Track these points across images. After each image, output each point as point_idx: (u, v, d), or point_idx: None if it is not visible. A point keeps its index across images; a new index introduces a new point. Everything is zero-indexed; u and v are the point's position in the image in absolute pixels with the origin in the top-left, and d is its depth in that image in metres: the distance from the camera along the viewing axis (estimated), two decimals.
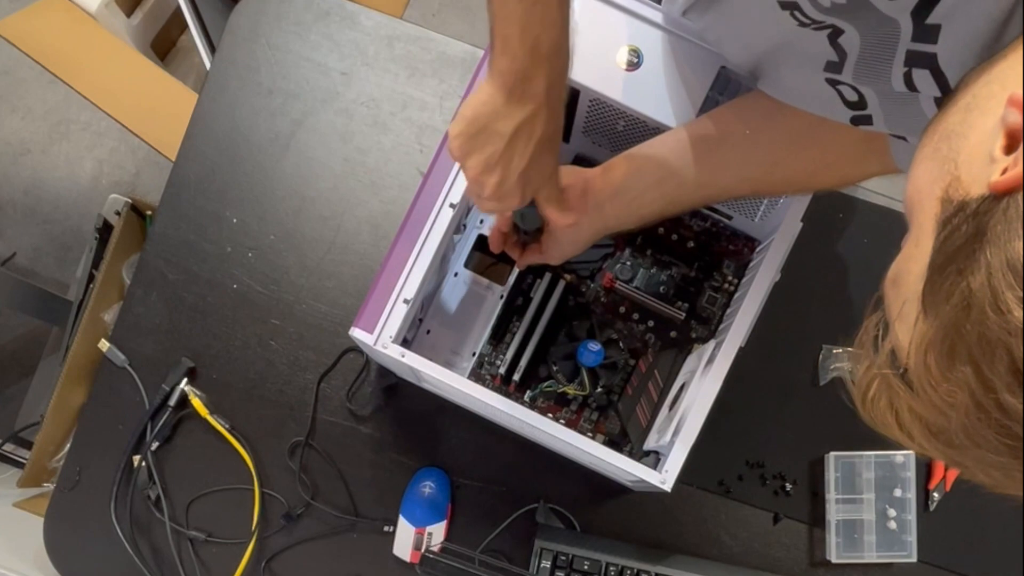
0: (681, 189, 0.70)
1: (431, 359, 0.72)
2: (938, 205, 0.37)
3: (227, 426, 0.90)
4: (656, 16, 0.73)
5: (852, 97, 0.54)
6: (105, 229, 1.61)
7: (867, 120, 0.55)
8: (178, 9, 1.54)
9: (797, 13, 0.50)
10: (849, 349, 0.90)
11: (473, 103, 0.59)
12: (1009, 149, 0.33)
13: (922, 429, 0.38)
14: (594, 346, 0.82)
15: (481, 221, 0.89)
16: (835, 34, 0.49)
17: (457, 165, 0.73)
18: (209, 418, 0.89)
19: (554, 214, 0.68)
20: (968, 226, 0.34)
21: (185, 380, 0.90)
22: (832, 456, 0.88)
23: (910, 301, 0.38)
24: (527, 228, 0.75)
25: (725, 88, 0.78)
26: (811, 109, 0.60)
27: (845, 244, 0.92)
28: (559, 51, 0.58)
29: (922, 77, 0.44)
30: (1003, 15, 0.38)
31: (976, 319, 0.32)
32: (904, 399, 0.39)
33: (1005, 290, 0.31)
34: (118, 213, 1.58)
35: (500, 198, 0.63)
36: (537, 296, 0.86)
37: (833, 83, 0.54)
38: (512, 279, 0.88)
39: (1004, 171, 0.32)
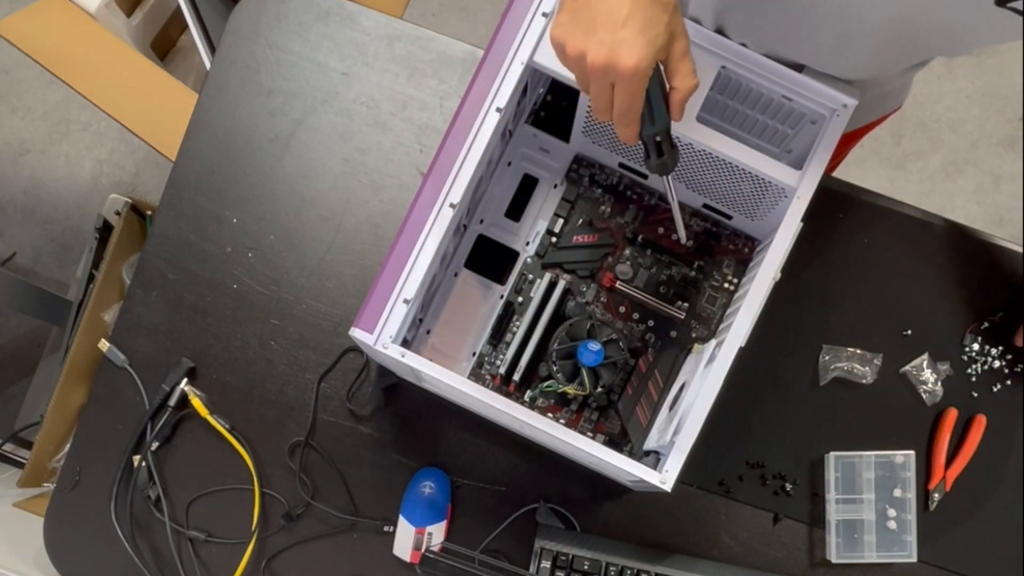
0: None
1: (431, 359, 0.72)
2: None
3: (227, 426, 0.90)
4: None
5: None
6: (105, 229, 1.62)
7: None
8: (178, 9, 1.54)
9: None
10: (849, 349, 0.90)
11: None
12: None
13: None
14: (594, 346, 0.82)
15: (481, 221, 0.89)
16: None
17: (459, 163, 0.73)
18: (209, 418, 0.89)
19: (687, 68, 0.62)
20: None
21: (185, 380, 0.90)
22: (832, 456, 0.88)
23: None
24: (656, 125, 0.65)
25: (725, 88, 0.78)
26: None
27: (845, 244, 0.92)
28: None
29: None
30: None
31: None
32: None
33: None
34: (118, 213, 1.58)
35: (630, 56, 0.58)
36: (537, 296, 0.86)
37: None
38: (512, 279, 0.88)
39: None
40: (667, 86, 0.63)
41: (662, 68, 0.63)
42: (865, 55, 0.72)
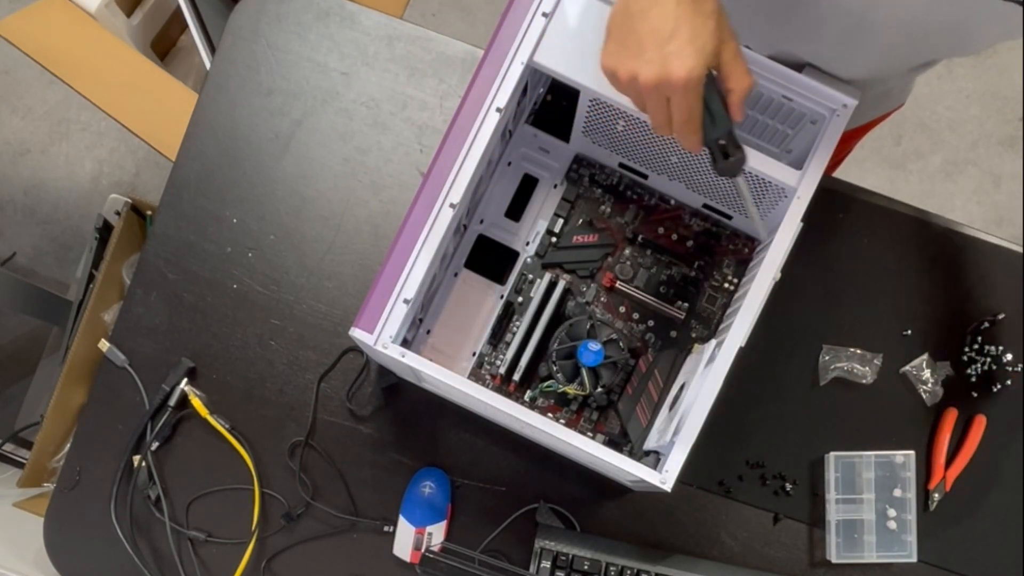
0: None
1: (431, 359, 0.72)
2: None
3: (227, 426, 0.90)
4: None
5: None
6: (105, 229, 1.62)
7: None
8: (178, 9, 1.54)
9: None
10: (849, 349, 0.90)
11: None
12: None
13: None
14: (594, 346, 0.82)
15: (481, 221, 0.89)
16: None
17: (459, 163, 0.73)
18: (209, 418, 0.89)
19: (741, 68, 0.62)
20: None
21: (185, 380, 0.90)
22: (832, 456, 0.88)
23: None
24: (718, 128, 0.65)
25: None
26: None
27: (845, 244, 0.92)
28: None
29: None
30: None
31: None
32: None
33: None
34: (118, 213, 1.58)
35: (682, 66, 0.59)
36: (537, 296, 0.86)
37: None
38: (512, 279, 0.88)
39: None
40: (723, 89, 0.63)
41: (715, 73, 0.63)
42: (873, 54, 0.72)
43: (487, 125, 0.73)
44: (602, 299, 0.88)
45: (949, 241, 0.92)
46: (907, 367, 0.90)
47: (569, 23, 0.73)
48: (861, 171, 1.84)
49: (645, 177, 0.88)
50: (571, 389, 0.83)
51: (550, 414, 0.86)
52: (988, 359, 0.90)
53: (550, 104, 0.90)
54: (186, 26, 1.56)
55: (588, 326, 0.84)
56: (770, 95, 0.76)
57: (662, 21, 0.59)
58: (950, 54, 0.74)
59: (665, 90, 0.60)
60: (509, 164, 0.90)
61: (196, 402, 0.89)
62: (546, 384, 0.84)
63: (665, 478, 0.70)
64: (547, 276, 0.87)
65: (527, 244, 0.89)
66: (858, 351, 0.90)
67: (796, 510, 0.89)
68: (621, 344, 0.84)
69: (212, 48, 1.57)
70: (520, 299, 0.88)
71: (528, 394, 0.87)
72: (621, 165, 0.88)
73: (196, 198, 0.94)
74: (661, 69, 0.59)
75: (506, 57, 0.73)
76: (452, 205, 0.73)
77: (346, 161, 0.94)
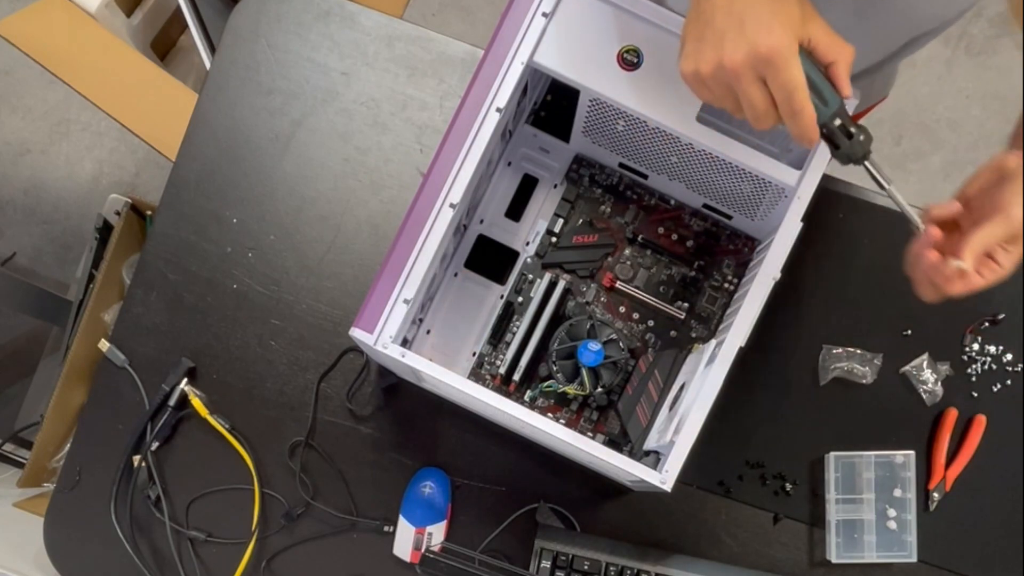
0: None
1: (431, 359, 0.72)
2: None
3: (227, 426, 0.90)
4: (656, 15, 0.73)
5: None
6: (105, 229, 1.62)
7: None
8: (178, 9, 1.54)
9: None
10: (849, 349, 0.90)
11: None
12: None
13: None
14: (594, 346, 0.82)
15: (481, 221, 0.89)
16: None
17: (459, 163, 0.73)
18: (209, 418, 0.89)
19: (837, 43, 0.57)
20: None
21: (185, 380, 0.90)
22: (832, 456, 0.88)
23: None
24: (830, 106, 0.58)
25: None
26: None
27: (845, 244, 0.92)
28: None
29: None
30: None
31: None
32: None
33: None
34: (118, 213, 1.58)
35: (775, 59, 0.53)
36: (537, 296, 0.86)
37: None
38: (512, 279, 0.88)
39: None
40: (823, 64, 0.58)
41: (809, 52, 0.58)
42: (867, 38, 0.71)
43: (487, 125, 0.73)
44: (602, 299, 0.88)
45: None
46: (907, 367, 0.90)
47: (569, 23, 0.73)
48: (861, 171, 1.84)
49: (645, 177, 0.88)
50: (571, 389, 0.83)
51: (550, 414, 0.86)
52: (988, 359, 0.90)
53: (550, 104, 0.90)
54: (186, 26, 1.56)
55: (588, 326, 0.84)
56: None
57: (739, 7, 0.55)
58: (931, 21, 0.73)
59: (758, 68, 0.55)
60: (509, 164, 0.90)
61: (196, 402, 0.89)
62: (546, 384, 0.84)
63: (665, 478, 0.70)
64: (547, 276, 0.87)
65: (527, 244, 0.89)
66: (858, 351, 0.90)
67: (796, 510, 0.89)
68: (621, 344, 0.84)
69: (212, 48, 1.57)
70: (520, 299, 0.88)
71: (528, 394, 0.87)
72: (621, 165, 0.88)
73: (196, 198, 0.94)
74: (748, 46, 0.54)
75: (506, 57, 0.73)
76: (452, 205, 0.73)
77: (346, 161, 0.94)
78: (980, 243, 0.60)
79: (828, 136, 0.60)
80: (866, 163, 0.62)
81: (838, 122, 0.59)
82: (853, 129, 0.59)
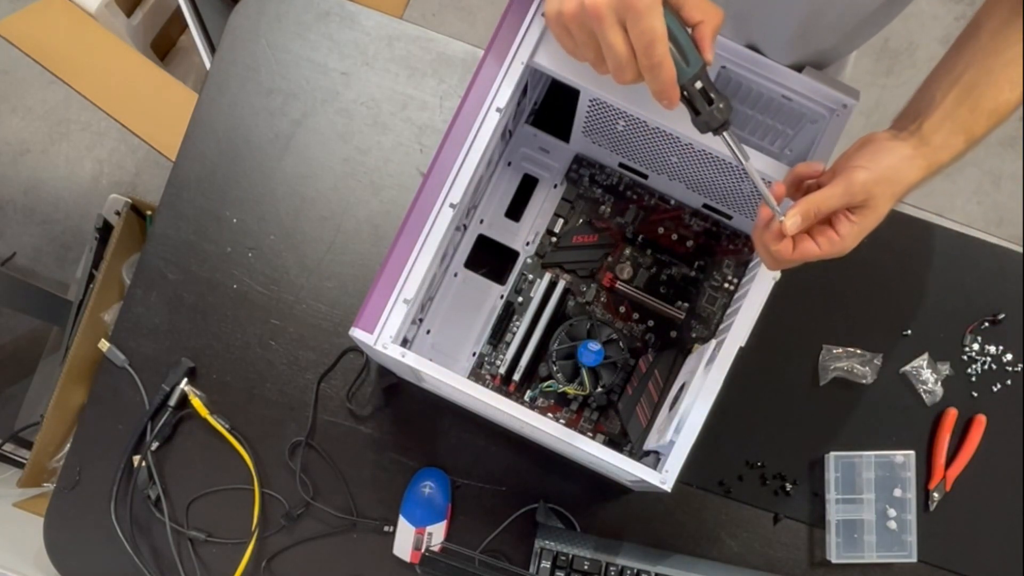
0: None
1: (431, 359, 0.72)
2: None
3: (227, 426, 0.90)
4: None
5: None
6: (105, 229, 1.62)
7: None
8: (178, 9, 1.54)
9: None
10: (849, 349, 0.90)
11: None
12: None
13: None
14: (594, 346, 0.82)
15: (481, 221, 0.89)
16: None
17: (459, 163, 0.73)
18: (209, 418, 0.89)
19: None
20: None
21: (185, 380, 0.90)
22: (832, 456, 0.88)
23: None
24: (691, 67, 0.56)
25: (725, 88, 0.78)
26: None
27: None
28: None
29: None
30: None
31: None
32: None
33: None
34: (118, 213, 1.58)
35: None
36: (537, 296, 0.86)
37: None
38: (512, 279, 0.88)
39: None
40: (689, 27, 0.56)
41: (676, 10, 0.56)
42: (828, 33, 0.70)
43: (487, 125, 0.73)
44: (602, 299, 0.88)
45: (949, 241, 0.92)
46: (907, 367, 0.90)
47: None
48: None
49: (645, 177, 0.88)
50: (571, 389, 0.83)
51: (550, 414, 0.86)
52: (988, 359, 0.90)
53: (550, 104, 0.90)
54: (186, 26, 1.56)
55: (588, 326, 0.84)
56: (770, 95, 0.76)
57: None
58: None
59: (619, 11, 0.52)
60: (509, 164, 0.90)
61: (196, 402, 0.89)
62: (546, 384, 0.84)
63: (665, 478, 0.70)
64: (547, 276, 0.87)
65: (527, 244, 0.89)
66: (858, 351, 0.90)
67: (796, 510, 0.89)
68: (621, 344, 0.84)
69: (212, 48, 1.57)
70: (520, 299, 0.88)
71: (528, 394, 0.87)
72: (621, 165, 0.88)
73: (196, 198, 0.94)
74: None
75: (506, 57, 0.73)
76: (452, 205, 0.73)
77: (346, 161, 0.94)
78: (813, 204, 0.58)
79: (688, 100, 0.58)
80: (724, 134, 0.60)
81: (699, 86, 0.57)
82: (714, 95, 0.57)
